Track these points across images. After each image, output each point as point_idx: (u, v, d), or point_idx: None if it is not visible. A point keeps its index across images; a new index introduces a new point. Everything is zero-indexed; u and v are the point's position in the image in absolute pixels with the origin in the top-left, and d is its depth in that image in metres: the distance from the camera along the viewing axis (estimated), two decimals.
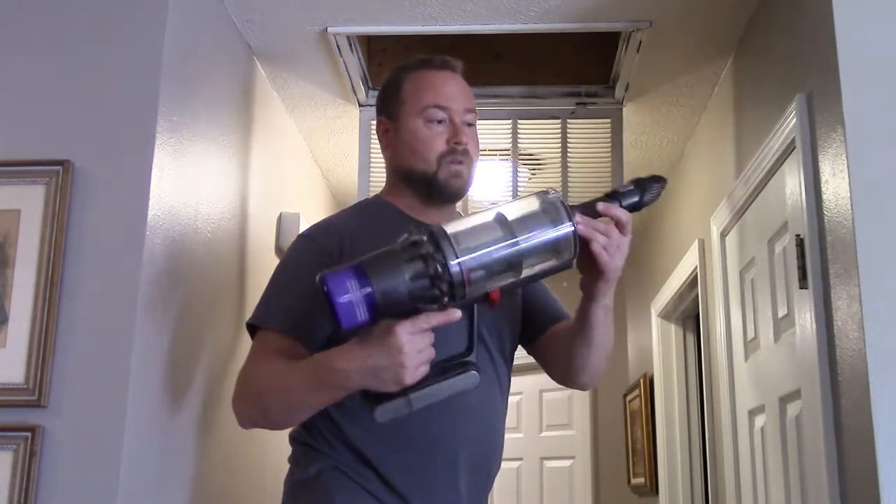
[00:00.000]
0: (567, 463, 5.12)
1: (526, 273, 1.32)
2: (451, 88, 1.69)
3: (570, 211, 1.32)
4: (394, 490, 1.51)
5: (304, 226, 2.88)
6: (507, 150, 3.02)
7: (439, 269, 1.24)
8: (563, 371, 1.69)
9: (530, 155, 3.11)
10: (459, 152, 1.64)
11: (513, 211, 1.33)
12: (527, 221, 1.31)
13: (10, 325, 1.79)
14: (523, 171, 3.12)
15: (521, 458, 5.17)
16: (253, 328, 1.60)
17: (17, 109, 1.95)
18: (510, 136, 3.01)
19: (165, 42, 1.97)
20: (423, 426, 1.49)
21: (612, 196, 1.43)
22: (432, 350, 1.30)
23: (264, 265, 2.72)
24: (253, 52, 2.62)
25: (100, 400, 1.76)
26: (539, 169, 3.15)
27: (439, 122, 1.66)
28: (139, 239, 1.85)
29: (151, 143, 1.90)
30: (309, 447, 1.58)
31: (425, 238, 1.26)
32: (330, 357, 1.37)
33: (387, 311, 1.26)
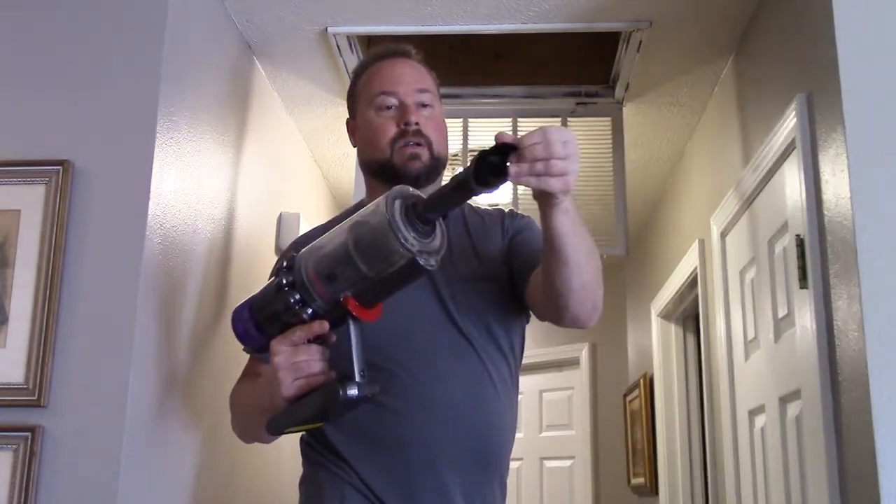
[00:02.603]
0: (567, 463, 5.12)
1: (376, 275, 1.23)
2: (397, 72, 1.67)
3: (393, 205, 1.20)
4: (371, 490, 1.50)
5: (304, 226, 2.88)
6: None
7: (289, 279, 1.28)
8: (553, 305, 1.49)
9: None
10: (411, 133, 1.61)
11: (360, 212, 1.27)
12: (361, 221, 1.25)
13: (10, 325, 1.79)
14: None
15: (521, 458, 5.17)
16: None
17: (17, 109, 1.95)
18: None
19: (165, 42, 1.97)
20: (394, 426, 1.48)
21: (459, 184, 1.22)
22: (316, 364, 1.30)
23: (264, 265, 2.72)
24: (253, 52, 2.62)
25: (100, 400, 1.76)
26: None
27: (388, 107, 1.64)
28: (139, 239, 1.85)
29: (151, 143, 1.90)
30: (308, 446, 1.60)
31: (291, 254, 1.32)
32: (258, 381, 1.47)
33: (270, 329, 1.32)
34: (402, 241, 1.19)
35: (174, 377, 1.99)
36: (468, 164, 1.36)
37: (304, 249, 1.31)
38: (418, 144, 1.62)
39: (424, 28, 2.52)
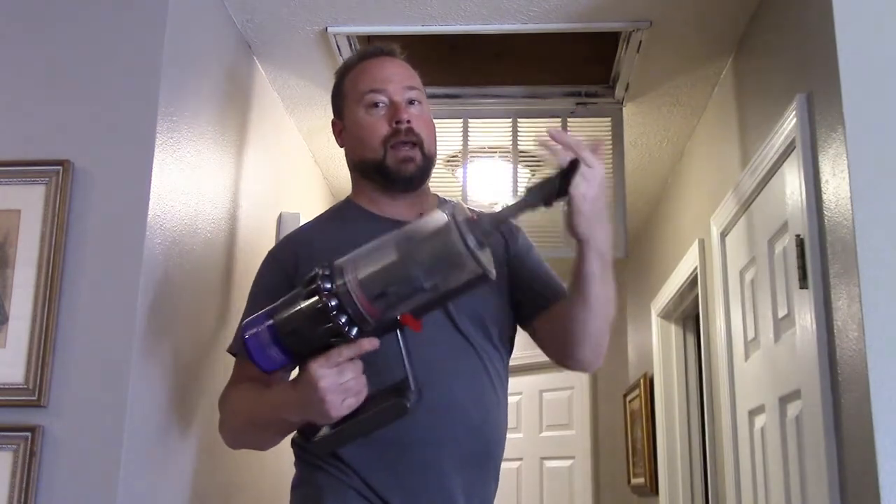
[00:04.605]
0: (567, 463, 5.12)
1: (433, 291, 1.24)
2: (386, 71, 1.67)
3: (461, 222, 1.21)
4: (375, 492, 1.49)
5: None
6: (508, 149, 3.02)
7: (334, 302, 1.22)
8: (562, 345, 1.59)
9: (530, 154, 3.11)
10: (403, 131, 1.61)
11: (411, 229, 1.27)
12: (416, 237, 1.24)
13: (10, 325, 1.79)
14: (523, 171, 3.12)
15: (521, 458, 5.18)
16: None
17: (17, 109, 1.95)
18: (510, 135, 3.01)
19: (165, 42, 1.97)
20: (399, 428, 1.43)
21: (526, 199, 1.28)
22: (362, 381, 1.29)
23: None
24: (253, 52, 2.62)
25: (100, 400, 1.76)
26: (539, 168, 3.15)
27: (377, 105, 1.63)
28: (139, 239, 1.84)
29: (151, 143, 1.90)
30: (302, 449, 1.58)
31: (322, 272, 1.24)
32: (273, 396, 1.43)
33: (300, 350, 1.27)
34: (476, 259, 1.20)
35: (174, 377, 1.99)
36: (528, 182, 1.39)
37: (342, 266, 1.25)
38: (412, 145, 1.62)
39: (424, 28, 2.52)
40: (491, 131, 3.03)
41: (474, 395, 1.55)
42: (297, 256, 1.60)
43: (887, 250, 1.65)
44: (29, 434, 1.72)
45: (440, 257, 1.21)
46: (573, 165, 1.30)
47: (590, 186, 1.34)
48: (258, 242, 2.66)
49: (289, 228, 2.88)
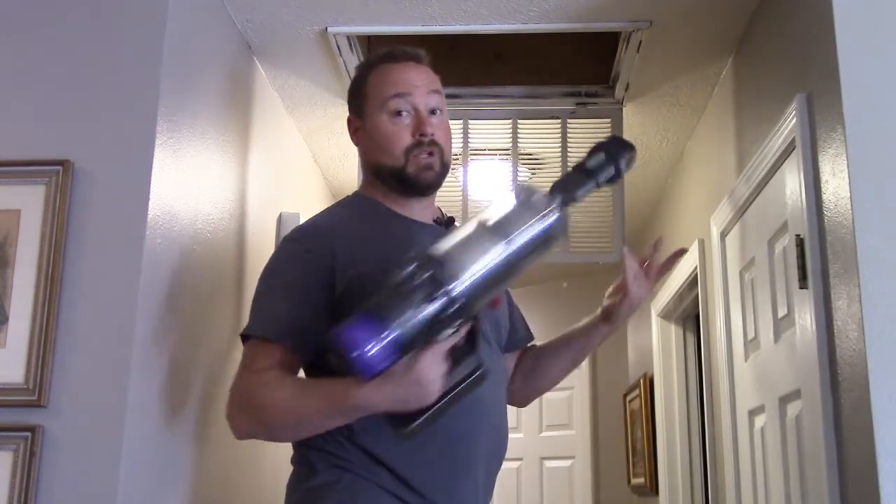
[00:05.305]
0: (567, 463, 5.12)
1: (523, 270, 1.33)
2: (412, 76, 1.67)
3: (552, 197, 1.31)
4: (413, 488, 1.49)
5: None
6: (507, 149, 3.02)
7: (448, 304, 1.25)
8: (528, 385, 1.82)
9: (530, 155, 3.11)
10: (426, 143, 1.62)
11: (496, 215, 1.30)
12: (514, 222, 1.29)
13: (10, 325, 1.79)
14: (523, 171, 3.12)
15: (521, 458, 5.17)
16: (245, 337, 1.58)
17: (17, 109, 1.95)
18: (510, 135, 3.01)
19: (165, 42, 1.97)
20: (441, 422, 1.45)
21: (586, 173, 1.37)
22: (447, 364, 1.34)
23: (264, 265, 2.72)
24: (253, 52, 2.62)
25: (100, 400, 1.76)
26: (539, 169, 3.15)
27: (400, 113, 1.64)
28: (139, 239, 1.85)
29: (151, 143, 1.90)
30: (324, 451, 1.53)
31: (426, 273, 1.25)
32: (353, 391, 1.37)
33: (406, 351, 1.28)
34: (566, 234, 1.34)
35: (174, 377, 1.99)
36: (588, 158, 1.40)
37: (451, 270, 1.26)
38: (431, 154, 1.64)
39: (424, 28, 2.52)
40: (491, 132, 3.03)
41: (493, 394, 1.59)
42: (334, 252, 1.55)
43: (887, 250, 1.65)
44: (29, 434, 1.72)
45: (541, 242, 1.29)
46: (620, 144, 1.39)
47: (644, 289, 1.72)
48: (258, 242, 2.66)
49: (289, 228, 2.86)
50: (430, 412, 1.33)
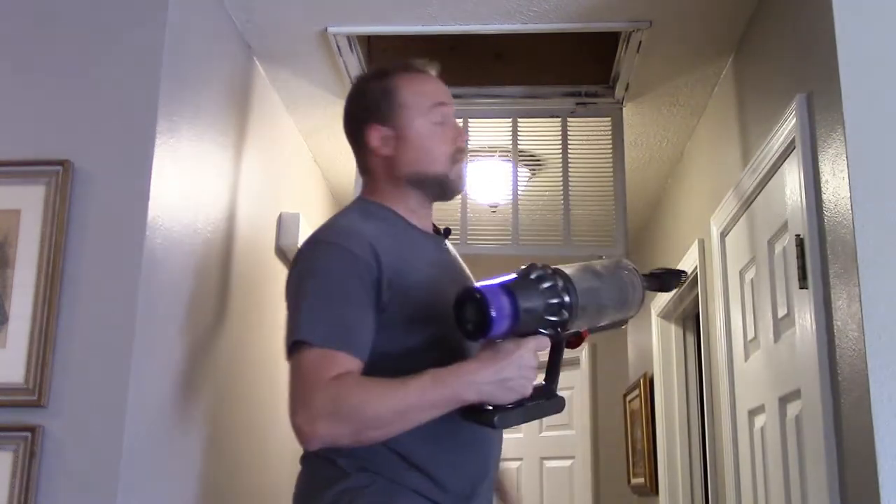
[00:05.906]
0: (567, 463, 5.12)
1: (606, 321, 1.50)
2: (443, 87, 1.73)
3: (643, 277, 1.57)
4: (444, 489, 1.51)
5: (304, 226, 2.88)
6: (508, 149, 3.02)
7: (567, 299, 1.38)
8: None
9: (530, 154, 3.11)
10: (463, 151, 1.70)
11: (600, 265, 1.51)
12: (614, 276, 1.51)
13: (10, 325, 1.79)
14: (523, 171, 3.12)
15: (521, 458, 5.17)
16: (300, 343, 1.47)
17: (17, 109, 1.95)
18: (510, 135, 3.01)
19: (165, 42, 1.97)
20: (471, 428, 1.48)
21: (662, 279, 1.66)
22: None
23: (264, 265, 2.72)
24: (252, 52, 2.62)
25: (100, 400, 1.76)
26: (539, 168, 3.15)
27: (440, 123, 1.67)
28: (139, 239, 1.85)
29: (151, 143, 1.90)
30: (352, 456, 1.49)
31: (551, 272, 1.40)
32: (462, 370, 1.43)
33: (518, 330, 1.39)
34: (638, 307, 1.55)
35: (174, 377, 1.99)
36: None
37: (578, 288, 1.41)
38: (463, 162, 1.71)
39: (424, 28, 2.52)
40: (491, 131, 3.03)
41: None
42: (380, 262, 1.52)
43: (887, 250, 1.65)
44: (29, 434, 1.73)
45: (631, 298, 1.52)
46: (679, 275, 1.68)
47: None
48: (258, 242, 2.67)
49: (289, 228, 2.88)
50: (526, 406, 1.43)
